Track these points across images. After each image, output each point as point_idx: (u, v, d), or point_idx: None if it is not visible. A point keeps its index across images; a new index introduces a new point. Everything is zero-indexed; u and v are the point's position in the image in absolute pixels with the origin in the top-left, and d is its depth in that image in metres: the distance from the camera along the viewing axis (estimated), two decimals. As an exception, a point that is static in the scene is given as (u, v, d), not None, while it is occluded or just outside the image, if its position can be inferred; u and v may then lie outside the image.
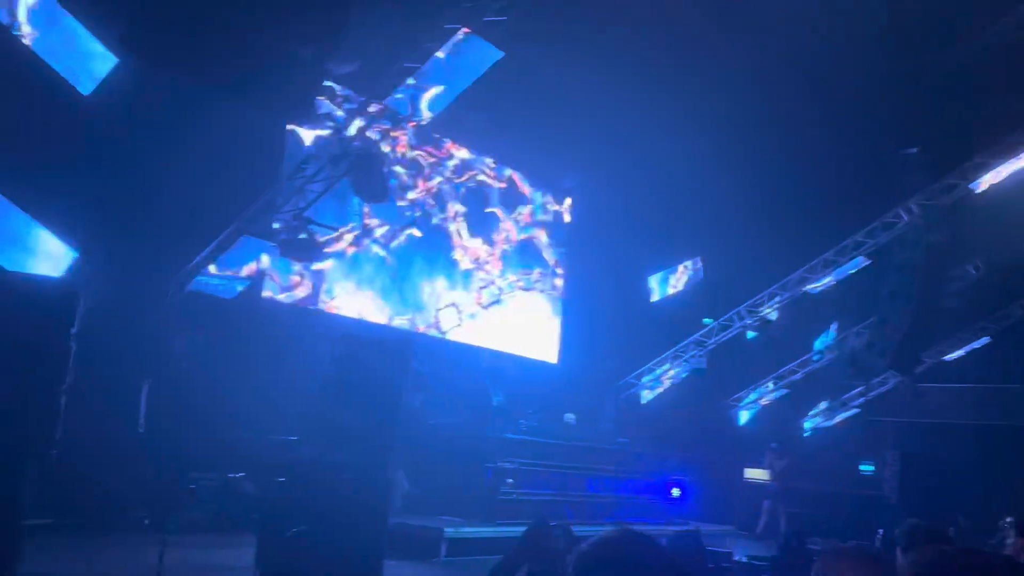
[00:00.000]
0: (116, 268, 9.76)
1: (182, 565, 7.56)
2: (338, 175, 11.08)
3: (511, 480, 11.38)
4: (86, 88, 9.63)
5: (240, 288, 11.45)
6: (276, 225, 11.13)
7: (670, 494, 13.66)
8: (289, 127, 11.90)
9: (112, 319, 9.09)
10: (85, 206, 9.86)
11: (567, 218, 16.95)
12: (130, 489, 9.14)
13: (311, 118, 11.48)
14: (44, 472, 5.90)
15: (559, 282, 16.78)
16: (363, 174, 10.91)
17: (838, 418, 18.49)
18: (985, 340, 17.85)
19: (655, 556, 1.97)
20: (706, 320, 16.36)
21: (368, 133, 10.67)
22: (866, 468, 17.53)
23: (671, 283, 17.47)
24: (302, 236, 11.13)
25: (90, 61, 9.61)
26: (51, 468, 5.76)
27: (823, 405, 18.56)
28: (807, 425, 18.73)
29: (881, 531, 8.17)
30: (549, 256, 16.61)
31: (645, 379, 16.80)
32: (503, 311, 15.54)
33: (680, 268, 17.35)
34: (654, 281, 17.37)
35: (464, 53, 9.88)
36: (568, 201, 16.90)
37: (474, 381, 12.54)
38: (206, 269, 11.00)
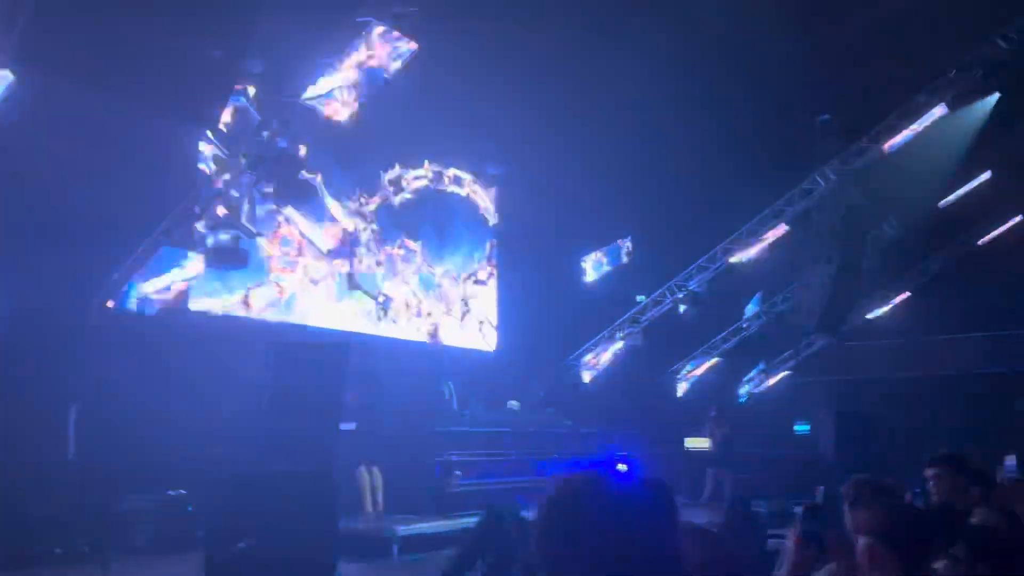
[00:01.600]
0: (31, 290, 9.36)
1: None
2: (256, 179, 10.84)
3: (459, 472, 11.37)
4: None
5: (159, 301, 11.08)
6: (199, 233, 10.84)
7: (617, 470, 13.80)
8: (203, 131, 11.55)
9: (31, 342, 8.73)
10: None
11: (492, 207, 16.90)
12: (64, 516, 8.81)
13: (224, 121, 11.16)
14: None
15: (489, 271, 16.76)
16: (282, 176, 10.71)
17: (771, 382, 19.00)
18: (905, 295, 18.54)
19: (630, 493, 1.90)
20: (639, 297, 16.56)
21: (285, 133, 10.44)
22: (801, 428, 18.03)
23: (601, 263, 17.57)
24: (226, 243, 10.86)
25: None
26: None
27: (756, 370, 19.04)
28: (742, 391, 19.20)
29: (821, 488, 8.41)
30: (478, 244, 16.56)
31: (584, 360, 16.92)
32: (437, 302, 15.46)
33: (601, 252, 17.44)
34: (586, 263, 17.44)
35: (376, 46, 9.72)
36: (493, 190, 16.85)
37: (420, 376, 12.45)
38: (128, 284, 10.64)
